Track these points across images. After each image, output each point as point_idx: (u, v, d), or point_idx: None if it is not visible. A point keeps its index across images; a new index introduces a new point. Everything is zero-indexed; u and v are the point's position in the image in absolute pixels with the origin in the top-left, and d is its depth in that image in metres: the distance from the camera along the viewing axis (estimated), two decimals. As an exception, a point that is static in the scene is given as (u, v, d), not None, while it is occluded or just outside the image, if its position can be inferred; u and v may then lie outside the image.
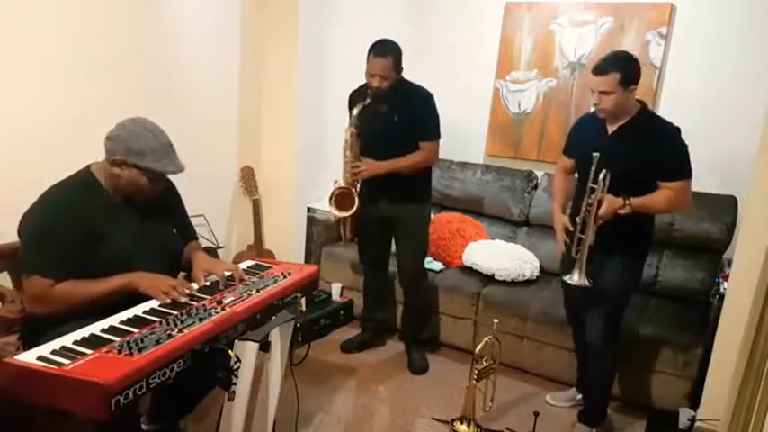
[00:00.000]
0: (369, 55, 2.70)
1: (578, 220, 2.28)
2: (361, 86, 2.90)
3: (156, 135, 1.82)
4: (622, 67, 2.15)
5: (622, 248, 2.32)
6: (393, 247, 3.09)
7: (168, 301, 1.74)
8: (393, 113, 2.77)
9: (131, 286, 1.78)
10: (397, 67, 2.73)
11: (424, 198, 3.01)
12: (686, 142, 2.22)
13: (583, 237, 2.26)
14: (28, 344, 1.75)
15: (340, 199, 2.88)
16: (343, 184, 2.87)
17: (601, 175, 2.20)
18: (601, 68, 2.18)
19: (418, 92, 2.84)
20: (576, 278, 2.27)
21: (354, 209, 2.84)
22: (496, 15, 3.80)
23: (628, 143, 2.23)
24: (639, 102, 2.28)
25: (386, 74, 2.68)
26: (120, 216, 1.88)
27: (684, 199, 2.24)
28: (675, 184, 2.19)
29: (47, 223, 1.76)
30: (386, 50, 2.68)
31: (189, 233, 2.20)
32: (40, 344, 1.46)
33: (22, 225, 1.79)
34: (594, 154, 2.21)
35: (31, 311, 1.77)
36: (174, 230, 2.07)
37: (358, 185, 2.90)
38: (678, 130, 2.24)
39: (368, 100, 2.73)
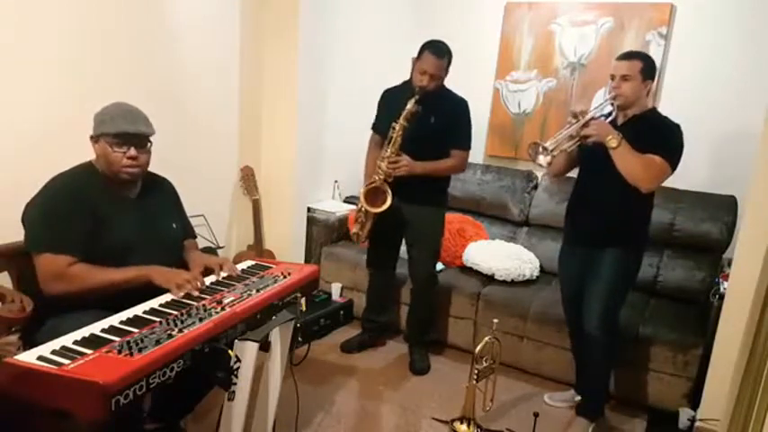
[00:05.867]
0: (423, 52, 2.67)
1: (572, 119, 2.36)
2: (398, 86, 2.86)
3: (118, 105, 1.87)
4: (646, 59, 2.35)
5: (616, 240, 2.38)
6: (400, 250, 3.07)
7: (181, 294, 1.77)
8: (430, 115, 2.72)
9: (146, 278, 1.80)
10: (447, 70, 2.73)
11: (440, 201, 2.97)
12: (684, 141, 2.29)
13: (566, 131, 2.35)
14: (28, 343, 1.74)
15: (371, 195, 2.77)
16: (376, 179, 2.74)
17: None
18: (627, 55, 2.37)
19: (457, 98, 2.82)
20: (540, 158, 2.34)
21: (388, 204, 2.71)
22: (496, 15, 3.80)
23: (633, 133, 2.27)
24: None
25: (438, 74, 2.67)
26: (121, 205, 1.91)
27: (658, 176, 2.26)
28: (658, 157, 2.22)
29: (55, 203, 1.79)
30: (443, 51, 2.67)
31: (188, 232, 2.22)
32: (38, 337, 1.46)
33: (28, 209, 1.81)
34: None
35: (47, 291, 1.77)
36: (174, 225, 2.09)
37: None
38: (678, 127, 2.31)
39: (417, 96, 2.65)
